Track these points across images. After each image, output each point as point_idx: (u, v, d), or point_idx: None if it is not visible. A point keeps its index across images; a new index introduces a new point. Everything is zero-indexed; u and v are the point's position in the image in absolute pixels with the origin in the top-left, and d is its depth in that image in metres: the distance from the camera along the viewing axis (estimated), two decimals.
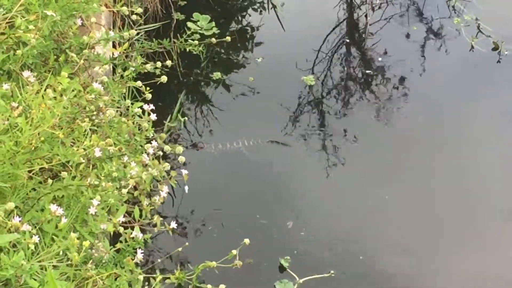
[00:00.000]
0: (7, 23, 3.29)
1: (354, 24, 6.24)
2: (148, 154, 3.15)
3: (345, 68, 5.78)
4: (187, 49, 3.87)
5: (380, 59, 5.84)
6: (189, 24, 5.52)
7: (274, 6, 6.30)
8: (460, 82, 5.65)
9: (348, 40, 6.06)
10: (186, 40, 3.86)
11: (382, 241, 4.53)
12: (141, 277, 2.86)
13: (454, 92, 5.57)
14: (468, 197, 4.81)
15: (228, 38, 4.01)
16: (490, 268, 4.43)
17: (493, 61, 5.83)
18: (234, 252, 3.10)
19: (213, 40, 3.93)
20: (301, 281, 4.28)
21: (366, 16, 6.20)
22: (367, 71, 5.74)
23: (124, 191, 2.92)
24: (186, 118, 5.13)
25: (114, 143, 2.97)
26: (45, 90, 2.95)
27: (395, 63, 5.79)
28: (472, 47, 5.92)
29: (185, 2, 6.10)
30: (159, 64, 3.58)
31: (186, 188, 3.31)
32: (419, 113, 5.37)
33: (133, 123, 3.24)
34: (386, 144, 5.17)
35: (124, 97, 3.81)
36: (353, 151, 5.09)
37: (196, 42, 3.83)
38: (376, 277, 4.37)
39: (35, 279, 2.46)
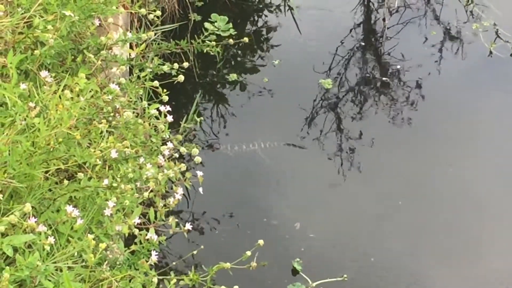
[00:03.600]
0: (25, 22, 3.30)
1: (372, 28, 6.22)
2: (163, 155, 3.15)
3: (362, 72, 5.77)
4: (205, 50, 3.87)
5: (397, 63, 5.82)
6: (207, 24, 5.51)
7: (291, 8, 6.29)
8: (479, 88, 5.62)
9: (365, 44, 6.04)
10: (203, 41, 3.86)
11: (395, 246, 4.53)
12: (155, 279, 2.86)
13: (472, 98, 5.54)
14: (484, 203, 4.79)
15: (246, 39, 3.99)
16: (506, 278, 4.42)
17: None
18: (249, 253, 3.09)
19: (231, 41, 3.92)
20: (314, 284, 4.27)
21: (383, 19, 6.18)
22: (385, 75, 5.72)
23: (145, 194, 2.93)
24: (202, 119, 5.13)
25: (131, 145, 2.98)
26: (62, 90, 2.96)
27: (412, 67, 5.77)
28: (491, 52, 5.89)
29: (202, 3, 6.11)
30: (176, 65, 3.58)
31: (201, 189, 3.31)
32: (436, 119, 5.35)
33: (150, 124, 3.24)
34: (402, 149, 5.15)
35: (141, 98, 3.81)
36: (368, 155, 5.07)
37: (214, 43, 3.83)
38: (388, 281, 4.37)
39: (50, 280, 2.47)
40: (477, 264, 4.49)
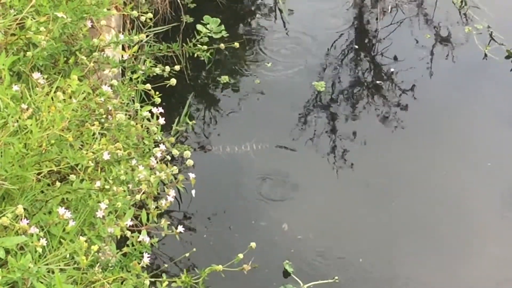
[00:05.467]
0: (17, 24, 3.30)
1: (365, 30, 6.23)
2: (156, 157, 3.15)
3: (355, 74, 5.77)
4: (195, 55, 3.89)
5: (391, 65, 5.82)
6: (199, 26, 5.51)
7: (281, 11, 6.30)
8: (474, 90, 5.63)
9: (357, 46, 6.05)
10: (195, 45, 3.86)
11: (386, 246, 4.55)
12: (147, 282, 2.86)
13: (466, 100, 5.55)
14: (477, 204, 4.80)
15: (237, 44, 4.02)
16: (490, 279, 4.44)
17: (507, 69, 5.81)
18: (241, 256, 3.10)
19: (222, 46, 3.94)
20: (305, 286, 4.27)
21: (376, 21, 6.19)
22: (378, 78, 5.73)
23: (138, 196, 2.93)
24: (194, 122, 5.13)
25: (123, 147, 2.98)
26: (55, 92, 2.95)
27: (407, 70, 5.78)
28: (485, 55, 5.90)
29: (195, 5, 6.11)
30: (167, 68, 3.58)
31: (193, 192, 3.31)
32: (431, 121, 5.36)
33: (142, 126, 3.24)
34: (395, 151, 5.16)
35: (133, 100, 3.81)
36: (360, 157, 5.08)
37: (205, 47, 3.84)
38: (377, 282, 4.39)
39: (42, 282, 2.46)
40: (470, 264, 4.50)
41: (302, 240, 4.55)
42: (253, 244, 3.13)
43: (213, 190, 4.78)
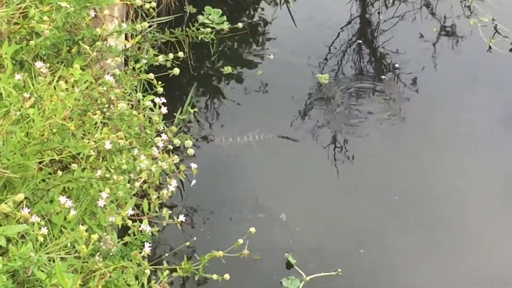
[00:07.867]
0: (21, 13, 3.30)
1: (367, 21, 6.21)
2: (158, 147, 3.16)
3: (359, 67, 5.76)
4: (199, 37, 3.90)
5: (395, 58, 5.81)
6: (200, 18, 5.51)
7: (287, 2, 6.28)
8: (478, 83, 5.61)
9: (360, 38, 6.03)
10: (198, 29, 3.88)
11: (388, 237, 4.55)
12: (148, 270, 2.87)
13: (471, 94, 5.53)
14: (480, 200, 4.79)
15: (240, 25, 4.03)
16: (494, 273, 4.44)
17: (511, 62, 5.80)
18: (241, 241, 3.11)
19: (226, 27, 3.94)
20: (308, 278, 4.27)
21: (379, 13, 6.18)
22: (382, 71, 5.71)
23: (137, 184, 2.94)
24: (195, 110, 5.13)
25: (125, 136, 2.99)
26: (57, 81, 2.96)
27: (410, 63, 5.75)
28: (490, 47, 5.88)
29: None
30: (171, 56, 3.58)
31: (193, 182, 3.33)
32: (434, 115, 5.34)
33: (144, 116, 3.24)
34: (396, 144, 5.15)
35: (136, 90, 3.81)
36: (362, 149, 5.08)
37: (209, 29, 3.85)
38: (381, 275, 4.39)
39: (42, 271, 2.47)
40: (473, 260, 4.50)
41: (301, 232, 4.54)
42: (252, 229, 3.13)
43: (214, 180, 4.77)
